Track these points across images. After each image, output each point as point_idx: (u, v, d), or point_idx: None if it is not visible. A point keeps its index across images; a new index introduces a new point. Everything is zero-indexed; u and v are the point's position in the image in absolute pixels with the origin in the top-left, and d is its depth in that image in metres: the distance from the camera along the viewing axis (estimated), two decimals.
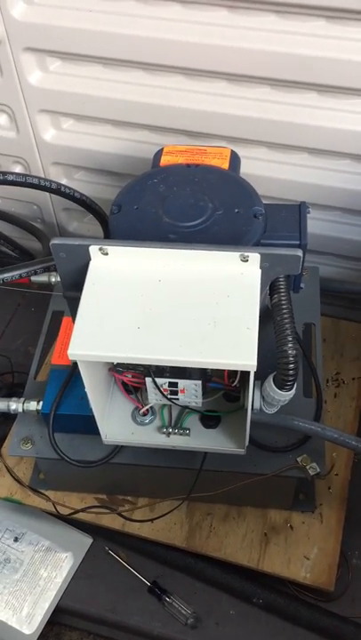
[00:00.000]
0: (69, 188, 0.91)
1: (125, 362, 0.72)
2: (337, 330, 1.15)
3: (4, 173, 0.86)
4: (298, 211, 0.77)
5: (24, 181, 0.87)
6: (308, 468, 0.82)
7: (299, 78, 0.88)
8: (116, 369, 0.75)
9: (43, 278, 0.93)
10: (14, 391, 1.17)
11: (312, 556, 0.93)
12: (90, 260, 0.69)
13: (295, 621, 0.93)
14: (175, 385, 0.73)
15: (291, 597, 0.94)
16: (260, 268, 0.68)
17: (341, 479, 0.99)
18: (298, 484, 0.92)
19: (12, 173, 0.88)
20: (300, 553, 0.93)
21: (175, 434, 0.79)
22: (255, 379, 0.69)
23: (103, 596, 0.97)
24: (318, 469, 0.83)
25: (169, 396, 0.74)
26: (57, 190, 0.90)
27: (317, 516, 0.96)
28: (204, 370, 0.72)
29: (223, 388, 0.76)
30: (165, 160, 0.83)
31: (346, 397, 1.07)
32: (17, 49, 0.96)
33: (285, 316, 0.69)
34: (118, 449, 0.87)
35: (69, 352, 0.64)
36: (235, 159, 0.84)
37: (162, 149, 0.85)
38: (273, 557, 0.94)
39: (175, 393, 0.74)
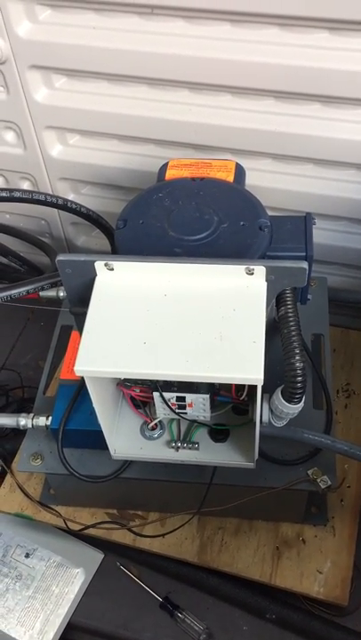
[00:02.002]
0: (76, 204, 0.92)
1: (132, 377, 0.72)
2: (347, 340, 1.14)
3: (11, 190, 0.87)
4: (303, 222, 0.77)
5: (30, 198, 0.88)
6: (318, 481, 0.82)
7: (303, 90, 0.88)
8: (124, 384, 0.75)
9: (51, 293, 0.93)
10: (24, 406, 1.18)
11: (325, 570, 0.92)
12: (96, 275, 0.70)
13: (309, 637, 0.92)
14: (183, 399, 0.73)
15: (304, 612, 0.93)
16: (266, 280, 0.68)
17: (354, 492, 0.98)
18: (309, 498, 0.91)
19: (20, 190, 0.88)
20: (313, 567, 0.92)
21: (184, 448, 0.79)
22: (263, 391, 0.68)
23: (115, 612, 0.96)
24: (329, 482, 0.82)
25: (177, 411, 0.74)
26: (63, 206, 0.91)
27: (330, 529, 0.95)
28: (212, 384, 0.72)
29: (231, 402, 0.75)
30: (171, 174, 0.84)
31: (357, 408, 1.06)
32: (22, 67, 0.97)
33: (293, 328, 0.69)
34: (128, 464, 0.86)
35: (76, 368, 0.64)
36: (240, 172, 0.84)
37: (167, 163, 0.86)
38: (286, 572, 0.93)
39: (183, 407, 0.74)
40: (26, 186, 1.17)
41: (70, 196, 1.17)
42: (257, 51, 0.86)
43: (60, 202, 0.90)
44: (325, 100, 0.90)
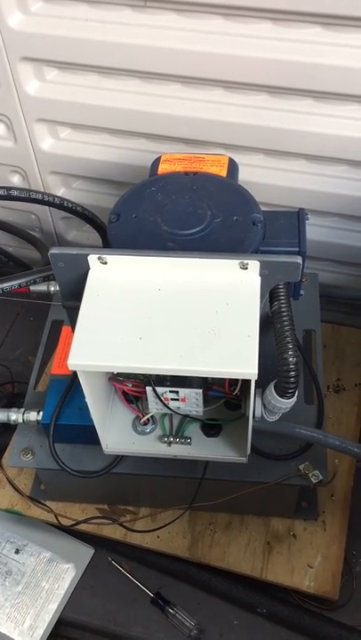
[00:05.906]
0: (72, 203, 0.91)
1: (125, 371, 0.72)
2: (337, 336, 1.15)
3: (8, 189, 0.86)
4: (297, 217, 0.77)
5: (28, 197, 0.87)
6: (310, 475, 0.82)
7: (295, 85, 0.88)
8: (117, 378, 0.75)
9: (42, 287, 0.93)
10: (14, 401, 1.17)
11: (316, 565, 0.92)
12: (89, 269, 0.69)
13: (299, 631, 0.92)
14: (176, 394, 0.72)
15: (295, 607, 0.93)
16: (260, 275, 0.68)
17: (344, 486, 0.98)
18: (300, 492, 0.92)
19: (16, 189, 0.87)
20: (304, 561, 0.93)
21: (176, 443, 0.79)
22: (256, 386, 0.68)
23: (106, 608, 0.96)
24: (321, 477, 0.82)
25: (170, 405, 0.74)
26: (60, 205, 0.90)
27: (320, 523, 0.95)
28: (205, 378, 0.72)
29: (224, 397, 0.75)
30: (163, 168, 0.83)
31: (347, 404, 1.06)
32: (14, 58, 0.96)
33: (286, 323, 0.69)
34: (119, 459, 0.86)
35: (69, 362, 0.63)
36: (233, 166, 0.84)
37: (159, 157, 0.85)
38: (276, 566, 0.93)
39: (176, 401, 0.73)
40: (16, 179, 1.16)
41: (61, 190, 1.17)
42: (250, 45, 0.86)
43: (56, 201, 0.89)
44: (318, 95, 0.90)
